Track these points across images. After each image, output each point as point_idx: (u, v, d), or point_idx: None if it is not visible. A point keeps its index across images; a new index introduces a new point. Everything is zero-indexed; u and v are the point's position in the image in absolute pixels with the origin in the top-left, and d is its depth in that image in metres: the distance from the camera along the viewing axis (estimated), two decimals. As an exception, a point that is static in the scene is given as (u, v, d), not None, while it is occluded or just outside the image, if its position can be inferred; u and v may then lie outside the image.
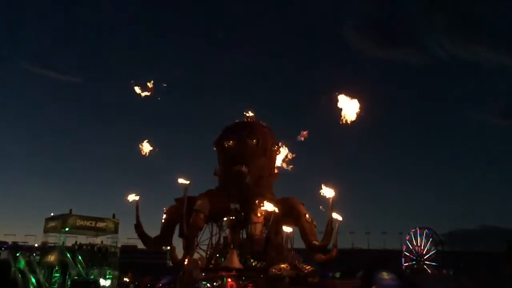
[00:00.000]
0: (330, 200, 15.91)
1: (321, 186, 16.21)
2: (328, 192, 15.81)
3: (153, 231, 19.71)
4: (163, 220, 19.22)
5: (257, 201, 18.24)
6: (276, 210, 16.67)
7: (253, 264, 19.16)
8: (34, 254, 41.15)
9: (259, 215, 17.80)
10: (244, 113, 22.28)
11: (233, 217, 19.34)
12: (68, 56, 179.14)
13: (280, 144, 21.08)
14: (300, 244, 19.44)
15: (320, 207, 16.48)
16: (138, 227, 18.68)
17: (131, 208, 18.76)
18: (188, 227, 17.62)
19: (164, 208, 19.71)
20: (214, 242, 19.88)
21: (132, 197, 18.31)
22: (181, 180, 17.53)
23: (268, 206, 16.71)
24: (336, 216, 16.94)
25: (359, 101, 15.07)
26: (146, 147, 19.79)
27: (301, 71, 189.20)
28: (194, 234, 18.59)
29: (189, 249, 18.11)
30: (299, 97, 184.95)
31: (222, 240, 19.63)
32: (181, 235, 17.89)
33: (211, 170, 21.08)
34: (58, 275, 37.28)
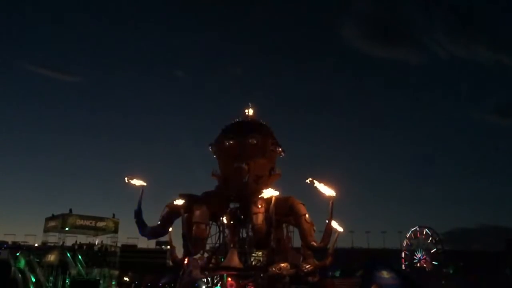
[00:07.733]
0: (331, 201, 15.60)
1: (315, 179, 15.26)
2: (328, 191, 15.40)
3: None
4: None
5: (257, 193, 18.26)
6: (277, 193, 16.65)
7: (253, 263, 19.20)
8: (34, 254, 41.06)
9: (259, 206, 17.86)
10: (244, 111, 22.28)
11: (232, 220, 19.50)
12: (68, 56, 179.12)
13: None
14: (299, 244, 19.43)
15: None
16: (138, 214, 18.41)
17: (131, 204, 18.52)
18: (192, 244, 17.75)
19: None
20: (213, 242, 19.99)
21: (137, 182, 17.51)
22: (177, 202, 17.82)
23: (269, 192, 16.72)
24: (337, 226, 16.87)
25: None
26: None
27: (301, 70, 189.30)
28: (200, 250, 18.86)
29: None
30: (299, 96, 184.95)
31: (222, 239, 19.73)
32: (188, 253, 18.05)
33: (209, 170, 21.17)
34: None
